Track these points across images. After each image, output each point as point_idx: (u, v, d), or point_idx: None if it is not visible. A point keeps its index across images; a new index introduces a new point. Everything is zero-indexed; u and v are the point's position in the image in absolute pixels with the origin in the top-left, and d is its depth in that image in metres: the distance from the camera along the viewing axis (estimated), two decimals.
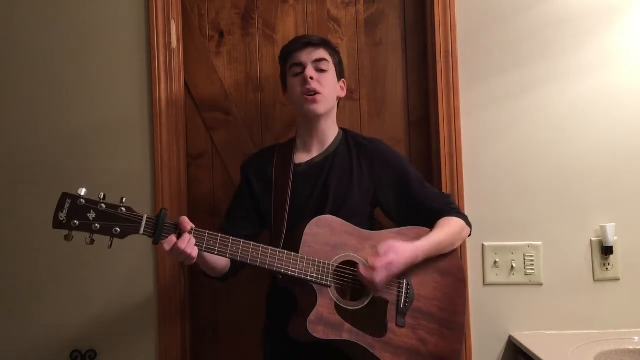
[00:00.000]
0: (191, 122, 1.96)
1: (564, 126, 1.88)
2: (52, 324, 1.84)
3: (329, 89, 1.62)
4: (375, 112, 1.96)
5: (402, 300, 1.51)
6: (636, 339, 1.73)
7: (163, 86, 1.86)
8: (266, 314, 1.68)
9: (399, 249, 1.48)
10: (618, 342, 1.68)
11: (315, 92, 1.59)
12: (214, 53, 1.97)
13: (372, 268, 1.44)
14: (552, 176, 1.87)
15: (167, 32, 1.87)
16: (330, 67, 1.63)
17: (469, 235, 1.67)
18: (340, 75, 1.68)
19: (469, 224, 1.65)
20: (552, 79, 1.88)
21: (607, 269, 1.85)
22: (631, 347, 1.66)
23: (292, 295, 1.52)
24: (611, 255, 1.83)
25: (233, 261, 1.53)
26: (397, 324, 1.50)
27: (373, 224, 1.67)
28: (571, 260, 1.86)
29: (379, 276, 1.44)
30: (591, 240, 1.86)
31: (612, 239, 1.82)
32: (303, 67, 1.61)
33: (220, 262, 1.52)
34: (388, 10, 1.97)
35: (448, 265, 1.59)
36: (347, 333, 1.45)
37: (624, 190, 1.86)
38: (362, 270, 1.45)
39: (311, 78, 1.58)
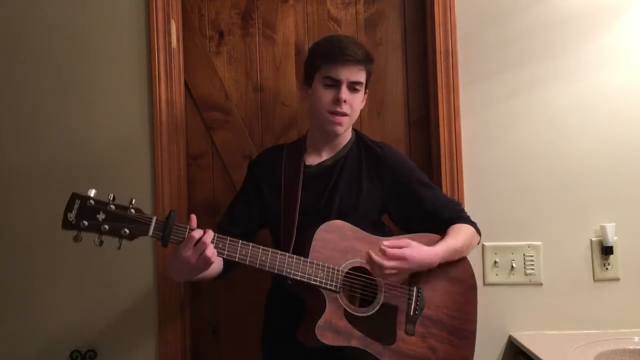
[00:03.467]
0: (191, 122, 1.96)
1: (564, 126, 1.88)
2: (52, 324, 1.84)
3: (356, 110, 1.57)
4: (375, 112, 1.96)
5: (413, 308, 1.50)
6: (636, 339, 1.73)
7: (163, 86, 1.86)
8: (266, 313, 1.68)
9: (417, 247, 1.46)
10: (618, 342, 1.68)
11: (344, 115, 1.54)
12: (214, 53, 1.97)
13: (382, 252, 1.42)
14: (552, 176, 1.87)
15: (167, 32, 1.86)
16: (362, 87, 1.57)
17: (478, 243, 1.65)
18: (366, 87, 1.61)
19: (479, 232, 1.63)
20: (552, 79, 1.88)
21: (607, 269, 1.85)
22: (631, 347, 1.66)
23: (294, 296, 1.51)
24: (611, 255, 1.84)
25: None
26: (406, 332, 1.49)
27: (381, 230, 1.63)
28: (571, 260, 1.86)
29: (389, 263, 1.41)
30: (591, 240, 1.86)
31: (612, 239, 1.82)
32: (338, 83, 1.52)
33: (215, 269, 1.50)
34: (388, 10, 1.97)
35: (459, 271, 1.57)
36: (356, 340, 1.43)
37: (624, 190, 1.86)
38: (373, 254, 1.42)
39: (345, 101, 1.52)
